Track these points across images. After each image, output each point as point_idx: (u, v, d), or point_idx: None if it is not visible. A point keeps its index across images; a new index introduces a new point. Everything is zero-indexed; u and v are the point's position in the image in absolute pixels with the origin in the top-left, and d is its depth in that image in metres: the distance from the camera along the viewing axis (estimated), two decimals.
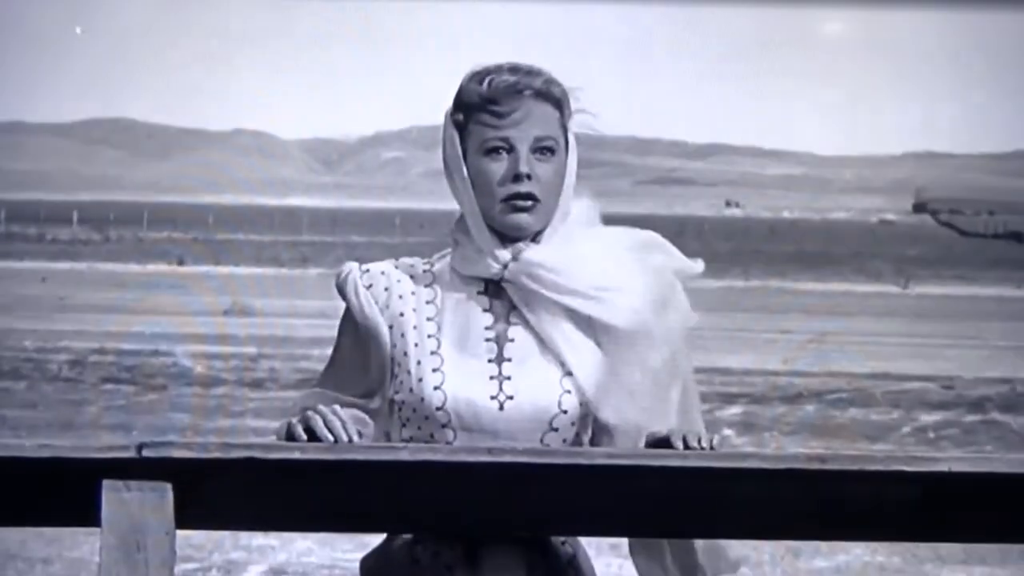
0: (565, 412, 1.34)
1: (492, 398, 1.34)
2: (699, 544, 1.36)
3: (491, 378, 1.34)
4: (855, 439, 6.30)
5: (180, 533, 1.24)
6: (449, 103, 1.39)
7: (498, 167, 1.35)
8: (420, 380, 1.34)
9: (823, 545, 4.01)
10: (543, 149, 1.36)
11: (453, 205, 1.39)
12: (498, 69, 1.37)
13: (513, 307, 1.37)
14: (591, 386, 1.34)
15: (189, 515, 1.25)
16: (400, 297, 1.38)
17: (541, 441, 1.34)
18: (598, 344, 1.35)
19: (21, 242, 23.32)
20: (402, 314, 1.37)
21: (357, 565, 1.40)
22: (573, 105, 1.37)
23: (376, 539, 1.39)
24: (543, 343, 1.35)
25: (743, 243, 32.28)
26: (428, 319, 1.37)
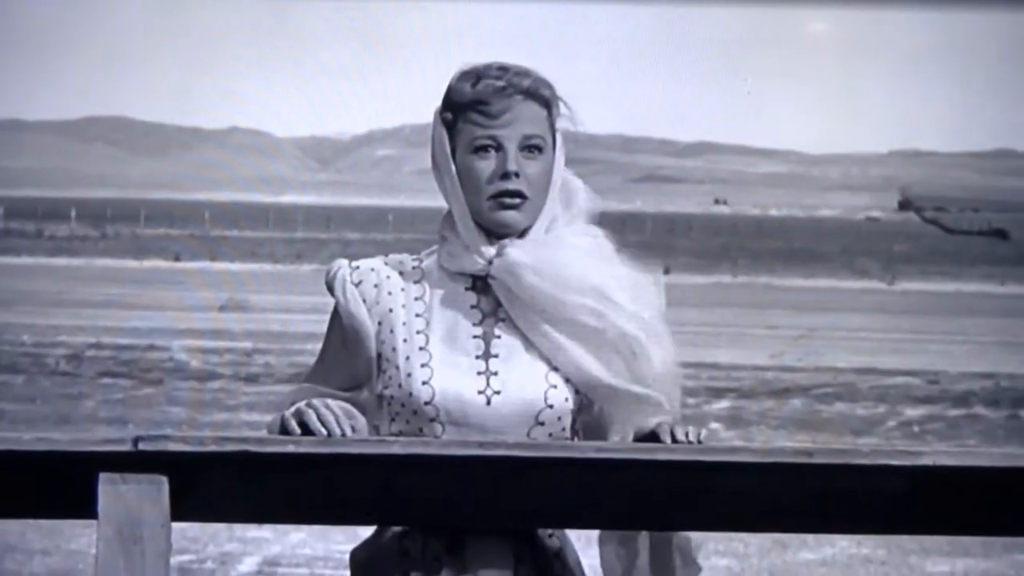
0: (551, 407, 1.36)
1: (479, 393, 1.35)
2: (676, 554, 1.37)
3: (478, 373, 1.36)
4: (841, 433, 6.35)
5: (176, 525, 1.26)
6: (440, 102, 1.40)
7: (486, 165, 1.37)
8: (409, 375, 1.36)
9: (809, 537, 4.04)
10: (531, 147, 1.37)
11: (445, 203, 1.41)
12: (487, 69, 1.38)
13: (500, 303, 1.38)
14: (575, 381, 1.36)
15: (185, 507, 1.26)
16: (389, 294, 1.39)
17: (528, 435, 1.35)
18: (579, 341, 1.36)
19: (19, 238, 23.29)
20: (391, 310, 1.38)
21: (348, 557, 1.41)
22: (561, 108, 1.39)
23: (368, 531, 1.40)
24: (529, 339, 1.37)
25: (731, 240, 32.37)
26: (417, 315, 1.38)
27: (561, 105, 1.39)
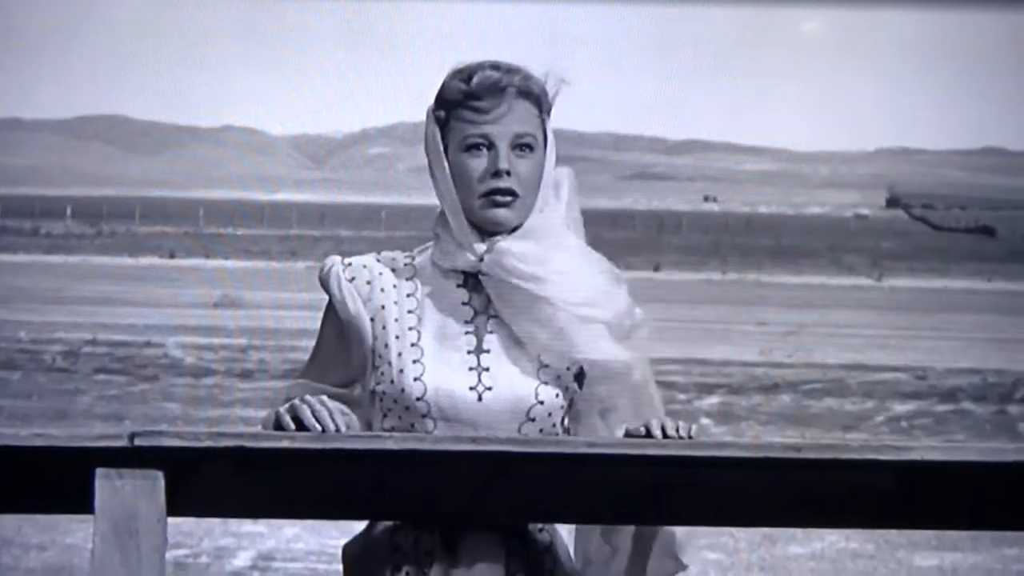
0: (542, 402, 1.37)
1: (471, 389, 1.36)
2: (655, 546, 1.38)
3: (470, 369, 1.37)
4: (830, 428, 6.38)
5: (171, 520, 1.27)
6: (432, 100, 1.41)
7: (478, 163, 1.38)
8: (401, 371, 1.37)
9: (799, 532, 4.06)
10: (522, 146, 1.38)
11: (438, 200, 1.42)
12: (479, 67, 1.39)
13: (492, 300, 1.39)
14: (566, 376, 1.38)
15: (180, 502, 1.27)
16: (382, 290, 1.40)
17: (519, 431, 1.37)
18: (570, 333, 1.38)
19: (16, 236, 23.29)
20: (383, 307, 1.39)
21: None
22: (552, 88, 1.40)
23: (362, 526, 1.41)
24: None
25: (721, 237, 32.45)
26: (409, 312, 1.39)
27: (553, 84, 1.39)
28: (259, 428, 1.34)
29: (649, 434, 1.33)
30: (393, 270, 1.40)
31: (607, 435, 1.37)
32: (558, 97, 1.41)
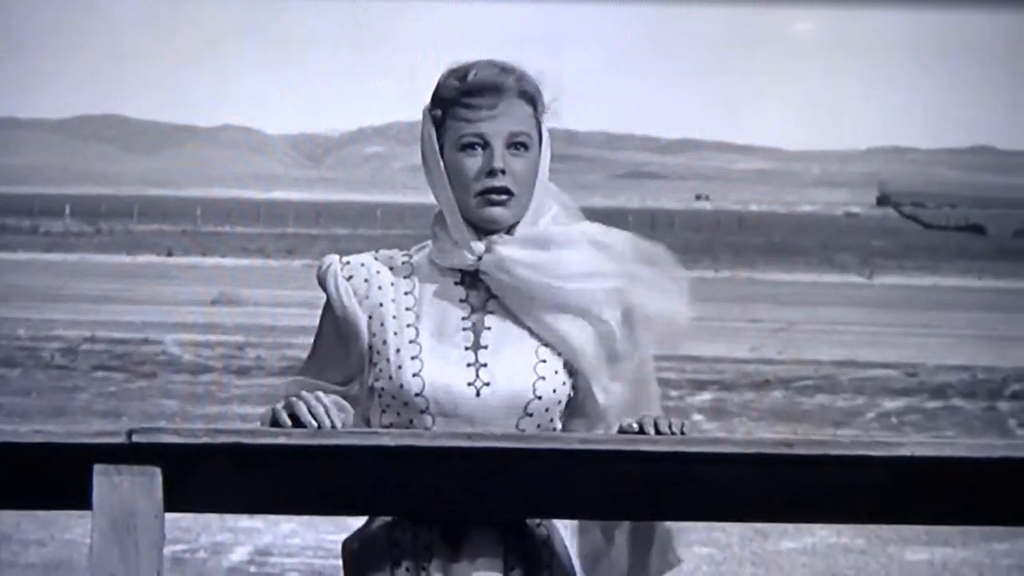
0: (539, 398, 1.38)
1: (469, 385, 1.37)
2: (654, 541, 1.39)
3: (468, 365, 1.38)
4: (821, 424, 6.41)
5: (169, 516, 1.27)
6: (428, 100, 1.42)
7: (473, 162, 1.39)
8: (399, 368, 1.37)
9: (790, 527, 4.07)
10: (517, 144, 1.39)
11: (433, 199, 1.43)
12: (474, 66, 1.40)
13: (489, 297, 1.40)
14: (567, 371, 1.39)
15: (178, 498, 1.28)
16: (379, 288, 1.41)
17: (516, 426, 1.37)
18: (572, 331, 1.39)
19: (15, 234, 23.30)
20: (381, 304, 1.40)
21: (339, 547, 1.43)
22: (546, 100, 1.41)
23: (358, 522, 1.42)
24: (518, 331, 1.39)
25: (713, 235, 32.50)
26: (407, 309, 1.40)
27: (546, 98, 1.41)
28: (256, 425, 1.35)
29: (642, 431, 1.34)
30: (391, 268, 1.41)
31: (603, 432, 1.39)
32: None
